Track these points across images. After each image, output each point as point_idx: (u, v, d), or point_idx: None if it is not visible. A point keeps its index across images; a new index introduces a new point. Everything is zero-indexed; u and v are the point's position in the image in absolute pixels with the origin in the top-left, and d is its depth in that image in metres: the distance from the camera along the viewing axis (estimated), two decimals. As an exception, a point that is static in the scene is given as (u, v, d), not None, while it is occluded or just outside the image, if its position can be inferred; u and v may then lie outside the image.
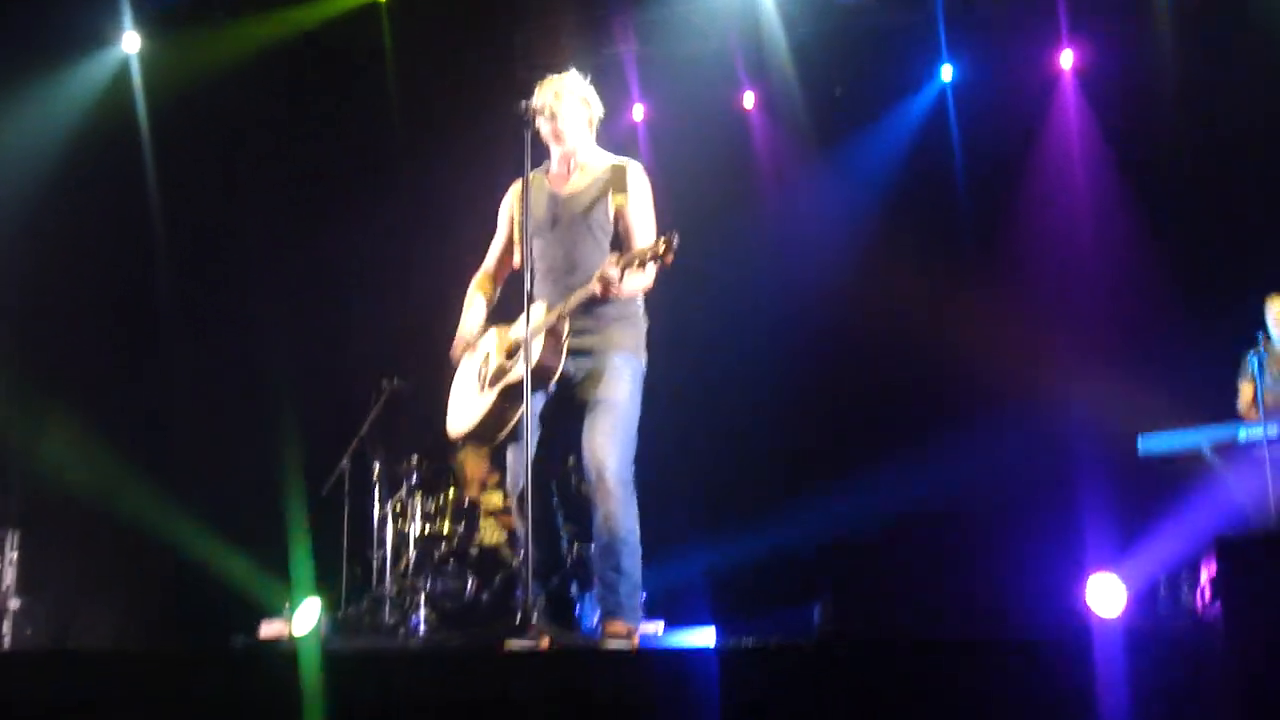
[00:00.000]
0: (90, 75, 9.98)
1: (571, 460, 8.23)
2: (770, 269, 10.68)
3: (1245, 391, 8.80)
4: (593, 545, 5.63)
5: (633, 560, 5.41)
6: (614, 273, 5.22)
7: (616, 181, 5.59)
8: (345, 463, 9.19)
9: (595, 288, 5.26)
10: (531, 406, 5.31)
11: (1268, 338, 8.64)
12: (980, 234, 10.45)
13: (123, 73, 10.11)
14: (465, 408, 5.66)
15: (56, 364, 9.22)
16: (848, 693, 3.89)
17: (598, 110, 5.74)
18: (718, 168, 10.76)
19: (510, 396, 5.33)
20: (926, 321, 9.79)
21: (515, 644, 4.99)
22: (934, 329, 9.76)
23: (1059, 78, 10.61)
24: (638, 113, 11.31)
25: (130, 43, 10.08)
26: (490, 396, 5.50)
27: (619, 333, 5.49)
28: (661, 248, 5.15)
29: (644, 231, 5.55)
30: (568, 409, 5.49)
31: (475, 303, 5.86)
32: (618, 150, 5.87)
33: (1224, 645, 3.47)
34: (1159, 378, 9.13)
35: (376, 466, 9.24)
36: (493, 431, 5.51)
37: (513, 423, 5.37)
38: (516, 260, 5.77)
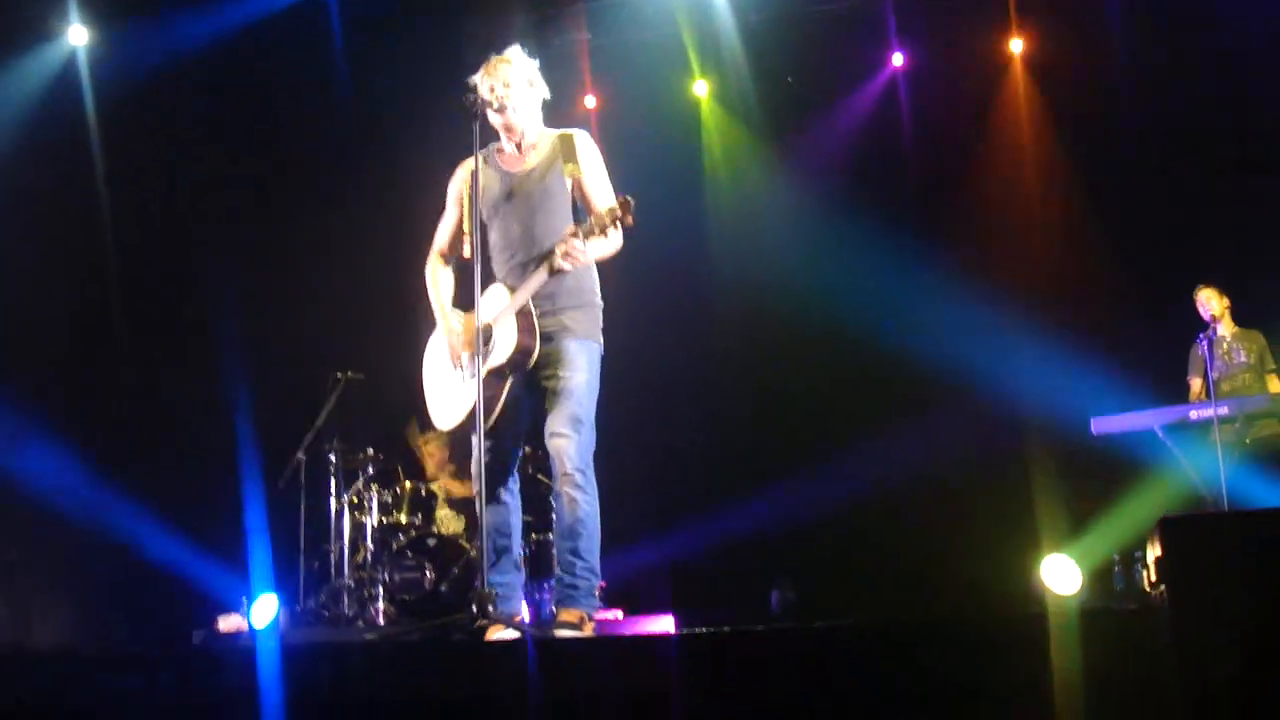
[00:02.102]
0: (36, 69, 9.88)
1: (528, 449, 8.27)
2: (722, 256, 10.72)
3: (1195, 385, 8.93)
4: (551, 532, 5.62)
5: (590, 546, 5.41)
6: (576, 242, 5.23)
7: (567, 150, 5.56)
8: (301, 455, 9.16)
9: (558, 259, 5.27)
10: (512, 389, 5.33)
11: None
12: (931, 219, 10.51)
13: (69, 66, 10.01)
14: (451, 399, 5.61)
15: (4, 360, 9.14)
16: (806, 676, 3.91)
17: (543, 90, 5.69)
18: (670, 156, 10.78)
19: (493, 382, 5.30)
20: (879, 307, 9.84)
21: (496, 633, 5.00)
22: (886, 314, 9.81)
23: (1008, 64, 10.67)
24: (589, 101, 11.30)
25: (77, 36, 9.99)
26: (475, 385, 5.46)
27: (575, 318, 5.47)
28: (620, 210, 5.17)
29: (602, 197, 5.54)
30: (530, 393, 5.49)
31: (441, 283, 5.79)
32: (571, 140, 5.85)
33: (1169, 624, 3.51)
34: (1110, 361, 9.22)
35: (332, 458, 9.21)
36: (485, 418, 5.46)
37: (500, 405, 5.34)
38: (466, 248, 5.71)
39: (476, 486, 5.31)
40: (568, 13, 10.99)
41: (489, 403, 5.27)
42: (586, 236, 5.24)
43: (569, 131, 5.66)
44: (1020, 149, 10.52)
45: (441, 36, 10.99)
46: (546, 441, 5.39)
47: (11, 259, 9.37)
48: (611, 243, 5.42)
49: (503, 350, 5.33)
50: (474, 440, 5.35)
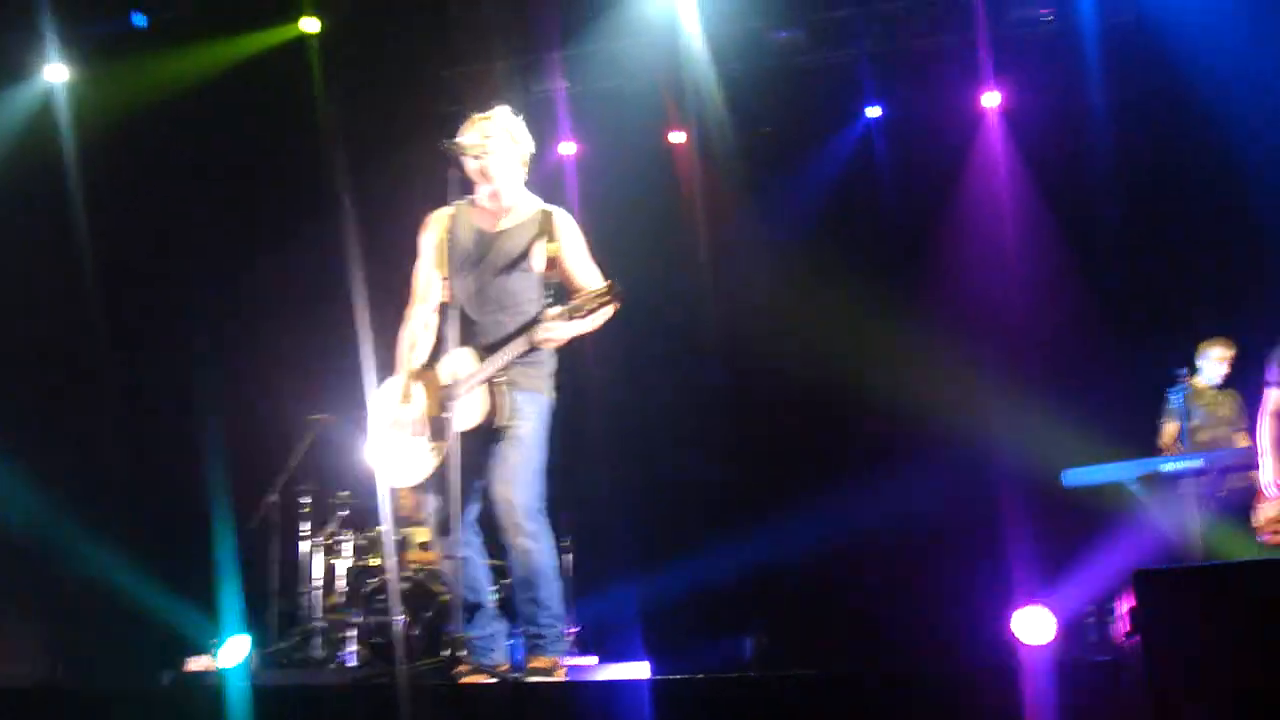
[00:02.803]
0: (15, 106, 9.88)
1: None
2: (699, 305, 10.75)
3: (1169, 430, 8.97)
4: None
5: (550, 592, 5.38)
6: (557, 324, 5.26)
7: (546, 228, 5.58)
8: (274, 497, 9.13)
9: (538, 337, 5.30)
10: (482, 454, 5.32)
11: (1192, 374, 8.81)
12: (906, 271, 10.57)
13: (48, 104, 10.01)
14: (408, 459, 5.59)
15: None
16: (779, 724, 3.92)
17: (527, 146, 5.71)
18: (647, 204, 10.83)
19: (458, 443, 5.28)
20: (855, 358, 9.87)
21: (471, 677, 4.99)
22: (862, 365, 9.84)
23: (983, 117, 10.76)
24: (567, 149, 11.34)
25: (56, 74, 9.99)
26: (438, 446, 5.45)
27: (525, 373, 5.47)
28: (607, 295, 5.20)
29: (586, 274, 5.57)
30: (485, 447, 5.48)
31: (414, 336, 5.77)
32: (549, 186, 5.89)
33: (1142, 676, 3.53)
34: (1084, 412, 9.26)
35: (305, 501, 9.18)
36: (444, 480, 5.45)
37: (459, 467, 5.33)
38: (445, 293, 5.70)
39: (437, 547, 5.32)
40: (546, 60, 11.05)
41: (450, 466, 5.26)
42: (571, 317, 5.26)
43: (550, 209, 5.67)
44: (995, 201, 10.59)
45: (421, 83, 11.05)
46: (491, 491, 5.38)
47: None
48: (589, 323, 5.44)
49: (471, 418, 5.33)
50: (430, 500, 5.39)
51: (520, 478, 5.34)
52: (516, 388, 5.43)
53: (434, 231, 5.76)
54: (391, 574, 8.84)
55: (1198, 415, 8.93)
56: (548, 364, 5.60)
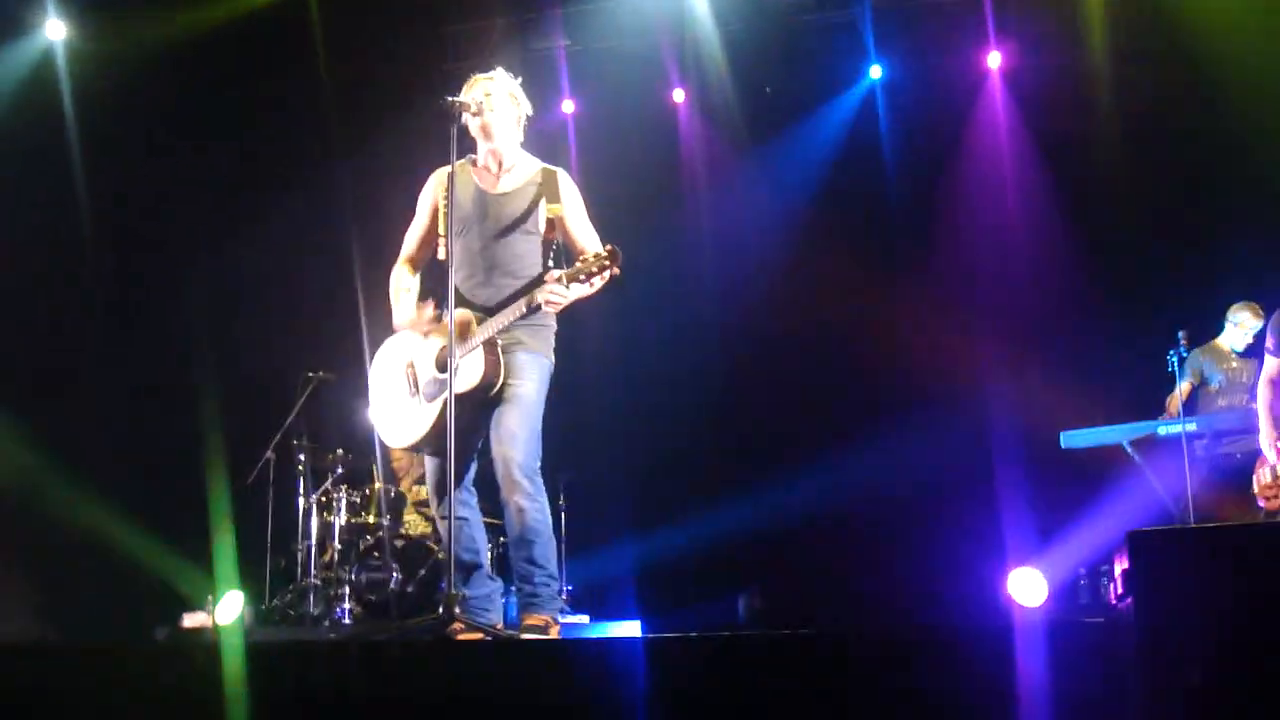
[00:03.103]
0: (13, 64, 9.83)
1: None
2: (699, 265, 10.73)
3: (1183, 389, 8.88)
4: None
5: (545, 551, 5.40)
6: (560, 289, 5.24)
7: (549, 188, 5.58)
8: (269, 454, 9.14)
9: (540, 301, 5.29)
10: (467, 412, 5.32)
11: (1201, 338, 8.73)
12: (908, 231, 10.54)
13: (47, 61, 9.97)
14: (405, 420, 5.59)
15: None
16: (771, 684, 3.92)
17: (526, 108, 5.71)
18: (648, 163, 10.80)
19: (456, 406, 5.28)
20: (853, 318, 9.87)
21: (465, 634, 5.00)
22: (860, 326, 9.85)
23: (986, 78, 10.71)
24: (568, 107, 11.29)
25: (54, 30, 9.94)
26: (433, 410, 5.45)
27: (525, 333, 5.48)
28: (607, 260, 5.19)
29: (586, 238, 5.57)
30: (486, 408, 5.48)
31: (403, 295, 5.78)
32: (548, 145, 5.88)
33: (1135, 637, 3.53)
34: (1081, 375, 9.26)
35: (301, 458, 9.19)
36: (437, 443, 5.45)
37: (455, 429, 5.33)
38: (440, 252, 5.69)
39: (434, 507, 5.35)
40: (547, 18, 10.99)
41: (444, 428, 5.25)
42: (570, 281, 5.24)
43: (553, 169, 5.68)
44: (997, 162, 10.55)
45: (422, 39, 10.99)
46: (493, 449, 5.39)
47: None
48: (591, 288, 5.42)
49: (467, 380, 5.33)
50: (428, 460, 5.41)
51: (520, 437, 5.35)
52: (521, 347, 5.44)
53: (432, 190, 5.76)
54: (387, 531, 8.88)
55: (1217, 379, 8.88)
56: (549, 326, 5.59)
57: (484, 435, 5.58)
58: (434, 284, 5.75)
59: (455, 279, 5.43)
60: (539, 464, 5.42)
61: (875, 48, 10.86)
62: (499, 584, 5.76)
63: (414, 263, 5.80)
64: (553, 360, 5.59)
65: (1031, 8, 10.41)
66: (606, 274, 5.30)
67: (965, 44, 10.64)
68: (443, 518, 5.44)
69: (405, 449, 5.65)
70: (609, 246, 5.29)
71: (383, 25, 10.66)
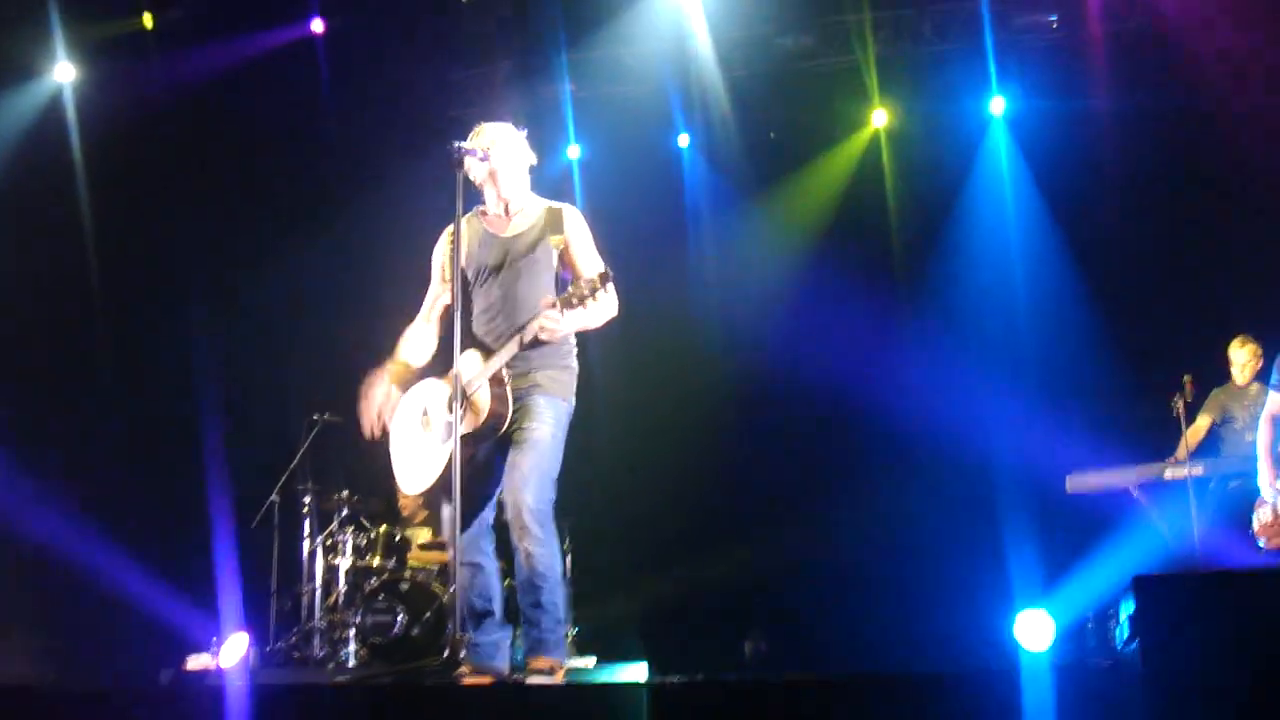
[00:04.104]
0: (22, 105, 9.89)
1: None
2: (704, 309, 10.75)
3: (1202, 425, 8.84)
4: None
5: (553, 596, 5.38)
6: (554, 315, 5.25)
7: (554, 223, 5.62)
8: (275, 496, 9.14)
9: (535, 329, 5.29)
10: (483, 453, 5.31)
11: (1194, 380, 8.71)
12: (912, 276, 10.57)
13: (55, 103, 10.03)
14: (420, 463, 5.60)
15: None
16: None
17: (531, 157, 5.77)
18: (652, 208, 10.84)
19: (466, 445, 5.29)
20: (857, 362, 9.87)
21: (471, 678, 4.99)
22: (865, 370, 9.84)
23: (989, 123, 10.76)
24: (573, 152, 11.35)
25: (63, 73, 10.01)
26: (446, 451, 5.45)
27: (544, 376, 5.49)
28: (597, 283, 5.20)
29: (589, 266, 5.59)
30: (501, 451, 5.49)
31: (411, 347, 5.81)
32: (554, 190, 5.91)
33: (1141, 682, 3.52)
34: (1087, 418, 9.26)
35: (307, 500, 9.19)
36: (449, 485, 5.46)
37: (470, 469, 5.33)
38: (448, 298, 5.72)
39: (451, 551, 5.37)
40: (553, 64, 11.06)
41: (463, 467, 5.27)
42: (565, 308, 5.25)
43: (558, 205, 5.72)
44: (1001, 206, 10.59)
45: (428, 85, 11.05)
46: (505, 492, 5.38)
47: (-3, 297, 9.38)
48: (594, 313, 5.43)
49: (472, 420, 5.34)
50: (444, 504, 5.40)
51: (530, 480, 5.33)
52: (539, 390, 5.45)
53: (441, 249, 5.80)
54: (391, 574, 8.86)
55: (1241, 416, 8.84)
56: (570, 368, 5.61)
57: (495, 486, 5.59)
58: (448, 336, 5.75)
59: (479, 326, 5.50)
60: (551, 508, 5.40)
61: (879, 93, 10.91)
62: (508, 631, 5.74)
63: (427, 320, 5.84)
64: (572, 403, 5.58)
65: (1034, 54, 10.46)
66: (606, 302, 5.31)
67: (968, 90, 10.69)
68: (462, 564, 5.43)
69: (421, 494, 5.63)
70: (603, 270, 5.29)
71: (389, 71, 10.72)
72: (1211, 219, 9.78)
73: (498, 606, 5.59)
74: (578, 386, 5.64)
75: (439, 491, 5.48)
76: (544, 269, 5.58)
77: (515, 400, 5.42)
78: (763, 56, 10.76)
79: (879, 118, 10.98)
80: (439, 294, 5.84)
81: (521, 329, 5.37)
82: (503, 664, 5.56)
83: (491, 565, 5.58)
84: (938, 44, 10.59)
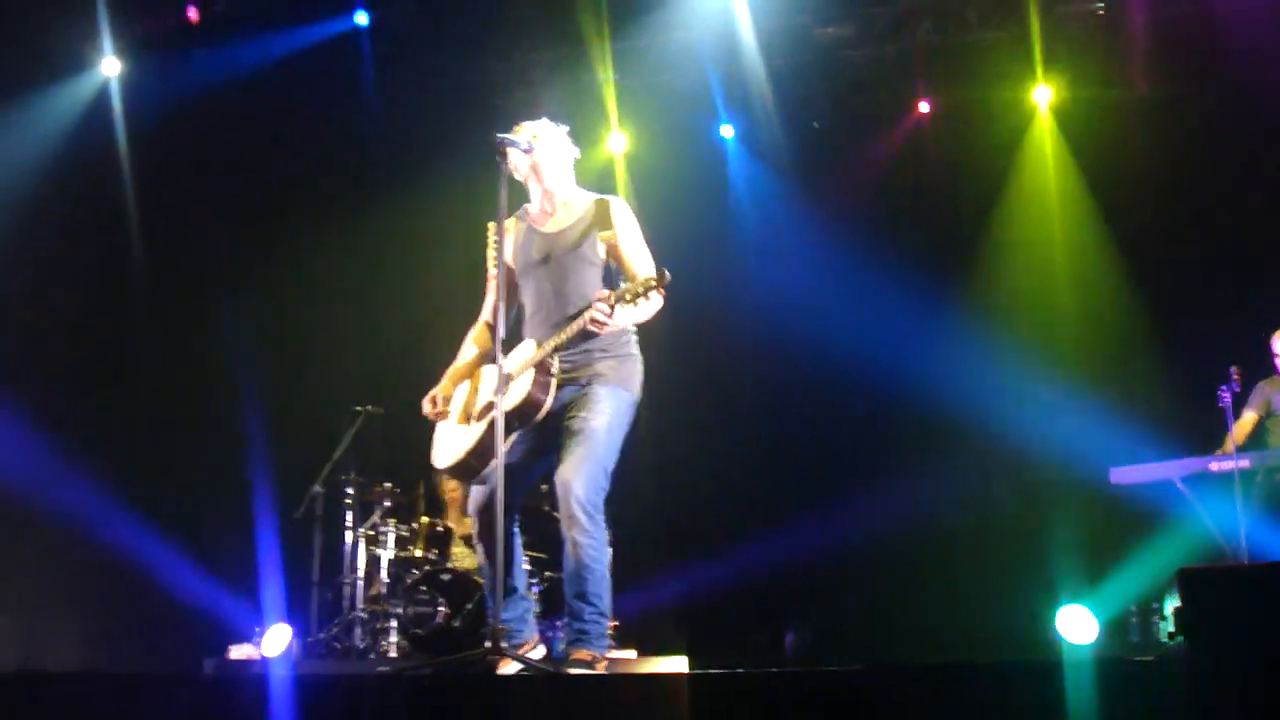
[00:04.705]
0: (69, 99, 9.96)
1: (545, 487, 8.27)
2: (746, 299, 10.73)
3: (1249, 419, 8.77)
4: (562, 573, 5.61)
5: (599, 588, 5.38)
6: (604, 308, 5.23)
7: (601, 217, 5.61)
8: (318, 487, 9.18)
9: (586, 323, 5.28)
10: (510, 441, 5.32)
11: (1245, 370, 8.62)
12: (955, 265, 10.52)
13: (102, 97, 10.10)
14: (450, 441, 5.65)
15: (30, 384, 9.17)
16: (819, 718, 3.90)
17: (574, 151, 5.78)
18: (696, 199, 10.82)
19: (494, 431, 5.30)
20: (903, 352, 9.83)
21: (505, 667, 5.01)
22: (909, 360, 9.80)
23: (1034, 112, 10.69)
24: (615, 143, 11.34)
25: (110, 67, 10.08)
26: (475, 431, 5.50)
27: (609, 366, 5.49)
28: (655, 283, 5.17)
29: (640, 262, 5.57)
30: (552, 440, 5.49)
31: (466, 349, 5.85)
32: (597, 181, 5.91)
33: (1186, 677, 3.49)
34: (1132, 409, 9.19)
35: (349, 491, 9.23)
36: (474, 467, 5.49)
37: (494, 458, 5.34)
38: (518, 297, 5.77)
39: (474, 527, 5.45)
40: (594, 54, 11.05)
41: (487, 449, 5.31)
42: (617, 303, 5.23)
43: (605, 198, 5.71)
44: (1045, 196, 10.53)
45: (470, 77, 11.06)
46: (556, 482, 5.38)
47: (40, 287, 9.44)
48: (645, 309, 5.41)
49: (512, 399, 5.34)
50: (466, 482, 5.46)
51: (585, 470, 5.32)
52: (600, 380, 5.45)
53: (494, 242, 5.78)
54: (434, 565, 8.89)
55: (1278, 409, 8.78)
56: (633, 357, 5.61)
57: (531, 474, 5.61)
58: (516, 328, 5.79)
59: (531, 321, 5.57)
60: (601, 500, 5.39)
61: (923, 82, 10.85)
62: (530, 602, 5.76)
63: (490, 325, 5.84)
64: (636, 395, 5.58)
65: (1079, 43, 10.38)
66: (656, 298, 5.30)
67: (1013, 79, 10.62)
68: (480, 541, 5.47)
69: (446, 469, 5.64)
70: (660, 270, 5.27)
71: (431, 63, 10.74)
72: (1260, 209, 9.69)
73: (520, 581, 5.62)
74: None
75: (461, 469, 5.52)
76: (591, 264, 5.57)
77: (577, 388, 5.44)
78: (805, 46, 10.71)
79: (923, 106, 10.92)
80: (490, 292, 5.85)
81: (572, 319, 5.38)
82: (529, 636, 5.57)
83: (515, 541, 5.59)
84: (981, 31, 10.52)
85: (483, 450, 5.40)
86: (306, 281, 10.18)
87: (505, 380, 5.29)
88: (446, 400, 5.73)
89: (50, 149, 9.60)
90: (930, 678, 3.99)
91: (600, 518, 5.37)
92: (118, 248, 9.99)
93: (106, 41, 10.04)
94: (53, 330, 9.58)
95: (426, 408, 5.74)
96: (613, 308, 5.22)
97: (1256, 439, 8.73)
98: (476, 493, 5.55)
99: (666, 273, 5.20)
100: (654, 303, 5.40)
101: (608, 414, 5.43)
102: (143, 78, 10.13)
